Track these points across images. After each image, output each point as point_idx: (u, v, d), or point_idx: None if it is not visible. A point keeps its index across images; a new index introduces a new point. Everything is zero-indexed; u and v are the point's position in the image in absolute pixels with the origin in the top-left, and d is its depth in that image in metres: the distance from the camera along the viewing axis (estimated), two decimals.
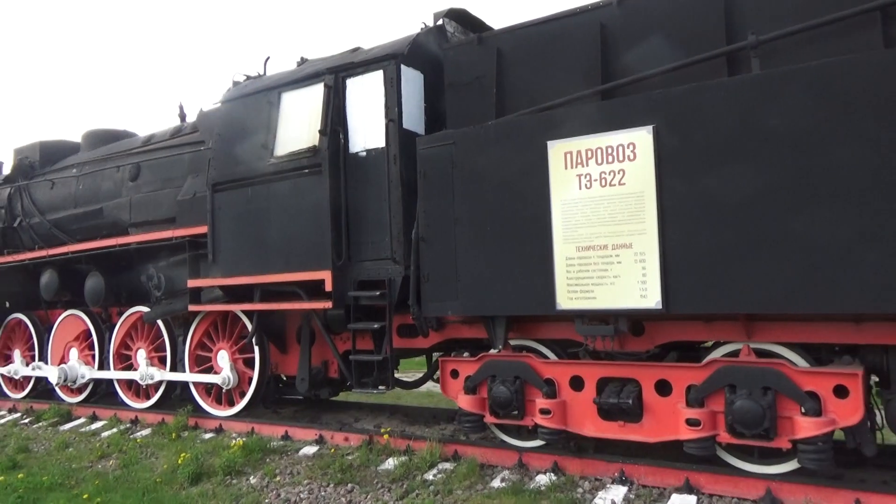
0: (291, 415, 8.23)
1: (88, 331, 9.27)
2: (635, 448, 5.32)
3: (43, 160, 10.12)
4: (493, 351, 5.67)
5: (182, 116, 9.08)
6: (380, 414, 8.12)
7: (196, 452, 6.30)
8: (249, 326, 7.46)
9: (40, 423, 8.84)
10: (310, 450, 6.48)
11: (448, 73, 5.87)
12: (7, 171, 12.15)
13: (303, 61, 7.51)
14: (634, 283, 4.60)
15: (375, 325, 5.94)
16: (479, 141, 5.27)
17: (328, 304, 6.05)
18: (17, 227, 9.94)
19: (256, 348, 7.41)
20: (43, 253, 9.04)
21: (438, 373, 6.58)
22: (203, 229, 7.06)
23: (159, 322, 8.27)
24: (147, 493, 5.89)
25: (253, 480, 5.86)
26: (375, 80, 5.99)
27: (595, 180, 4.79)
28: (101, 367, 9.05)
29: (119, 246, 8.05)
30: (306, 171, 6.19)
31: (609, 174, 4.74)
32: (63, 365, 9.14)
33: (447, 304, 5.41)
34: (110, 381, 9.00)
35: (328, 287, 5.99)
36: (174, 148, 8.18)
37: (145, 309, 8.47)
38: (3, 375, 10.41)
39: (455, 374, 5.80)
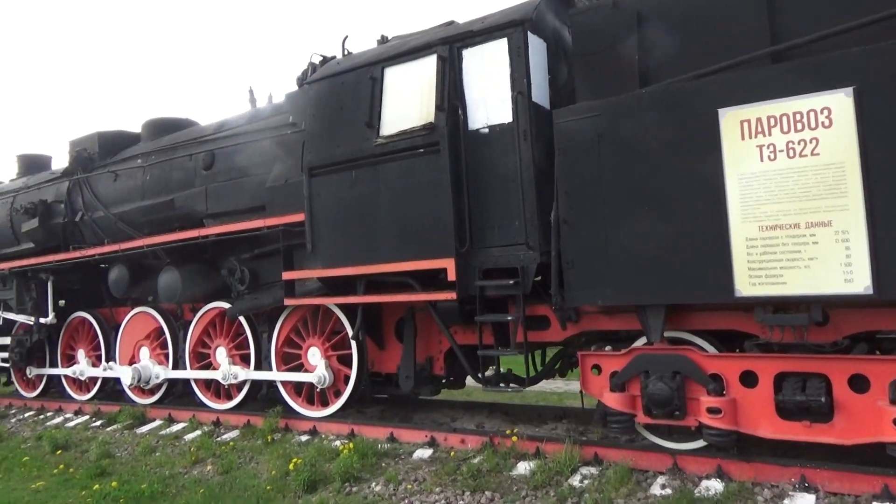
0: (379, 414, 7.77)
1: (160, 328, 8.85)
2: (790, 449, 4.82)
3: (102, 152, 9.67)
4: (638, 343, 5.15)
5: (252, 101, 8.61)
6: (476, 413, 7.63)
7: (309, 457, 5.83)
8: (344, 321, 7.00)
9: (114, 427, 8.44)
10: (424, 453, 6.01)
11: (577, 40, 5.32)
12: (56, 164, 11.86)
13: (384, 39, 6.99)
14: (836, 266, 4.05)
15: (510, 317, 5.43)
16: (630, 112, 4.73)
17: (451, 295, 5.55)
18: (78, 221, 9.52)
19: (354, 344, 6.93)
20: (115, 247, 8.60)
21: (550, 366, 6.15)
22: (298, 217, 6.57)
23: (241, 318, 7.82)
24: (261, 502, 5.44)
25: (377, 488, 5.39)
26: (499, 50, 5.45)
27: (780, 151, 4.24)
28: (175, 367, 8.62)
29: (203, 237, 7.57)
30: (421, 150, 5.68)
31: (798, 144, 4.19)
32: (136, 365, 8.72)
33: (595, 293, 4.90)
34: (185, 382, 8.57)
35: (451, 276, 5.49)
36: (253, 133, 7.68)
37: (225, 304, 8.02)
38: (67, 377, 10.03)
39: (597, 369, 5.29)
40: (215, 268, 8.14)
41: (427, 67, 5.77)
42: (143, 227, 8.77)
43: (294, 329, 7.49)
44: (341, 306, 6.97)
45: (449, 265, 5.50)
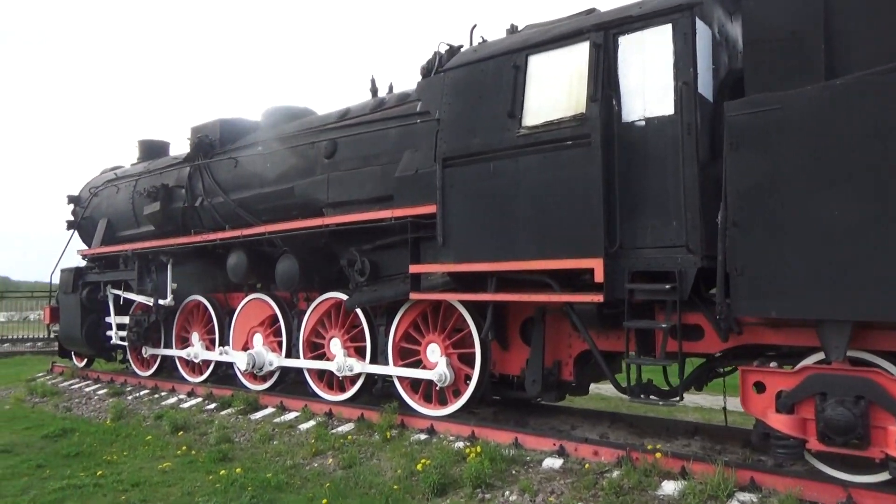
0: (492, 416, 7.49)
1: (274, 316, 8.89)
2: None
3: (223, 138, 9.82)
4: (809, 361, 4.66)
5: (374, 91, 8.49)
6: (597, 422, 7.24)
7: (438, 459, 5.63)
8: (468, 318, 6.76)
9: (228, 411, 8.53)
10: (553, 462, 5.69)
11: (749, 27, 4.86)
12: (173, 151, 12.22)
13: (514, 29, 6.69)
14: None
15: (664, 325, 5.03)
16: (820, 105, 4.24)
17: (598, 298, 5.20)
18: (197, 206, 9.70)
19: (478, 343, 6.69)
20: (237, 233, 8.68)
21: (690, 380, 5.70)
22: (426, 209, 6.38)
23: (358, 310, 7.72)
24: (390, 502, 5.27)
25: (512, 497, 5.12)
26: (662, 37, 5.04)
27: None
28: (288, 355, 8.64)
29: (325, 227, 7.50)
30: (569, 142, 5.35)
31: None
32: (251, 351, 8.80)
33: (767, 303, 4.44)
34: (297, 370, 8.58)
35: (598, 277, 5.14)
36: (378, 122, 7.54)
37: (341, 295, 7.95)
38: (181, 358, 10.28)
39: (760, 387, 4.82)
40: (333, 258, 8.08)
41: (578, 55, 5.43)
42: (262, 214, 8.83)
43: (413, 324, 7.32)
44: (465, 303, 6.74)
45: (596, 266, 5.15)
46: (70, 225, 12.55)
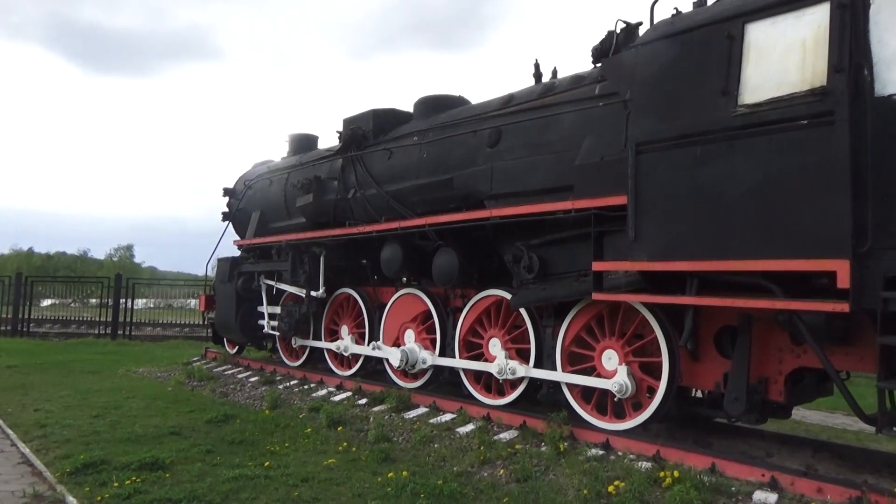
0: (666, 433, 6.70)
1: (427, 312, 8.57)
2: None
3: (376, 129, 9.62)
4: None
5: (538, 76, 7.92)
6: (796, 450, 6.29)
7: (636, 483, 4.99)
8: (654, 324, 6.06)
9: (380, 407, 8.30)
10: (767, 497, 4.88)
11: None
12: (321, 144, 12.26)
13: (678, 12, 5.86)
14: None
15: None
16: None
17: (842, 307, 4.35)
18: (350, 198, 9.57)
19: (666, 352, 5.98)
20: (393, 225, 8.43)
21: None
22: (613, 200, 5.74)
23: (521, 310, 7.21)
24: None
25: None
26: None
27: None
28: (442, 354, 8.29)
29: (488, 219, 7.03)
30: (804, 121, 4.52)
31: None
32: (404, 347, 8.52)
33: None
34: (451, 370, 8.20)
35: (842, 283, 4.29)
36: (549, 108, 6.97)
37: (503, 293, 7.47)
38: (329, 351, 10.24)
39: None
40: (494, 253, 7.62)
41: (813, 19, 4.58)
42: (417, 206, 8.52)
43: (585, 327, 6.70)
44: (650, 307, 6.05)
45: (841, 268, 4.30)
46: (225, 216, 12.96)
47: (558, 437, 6.27)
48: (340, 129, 10.23)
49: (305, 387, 10.00)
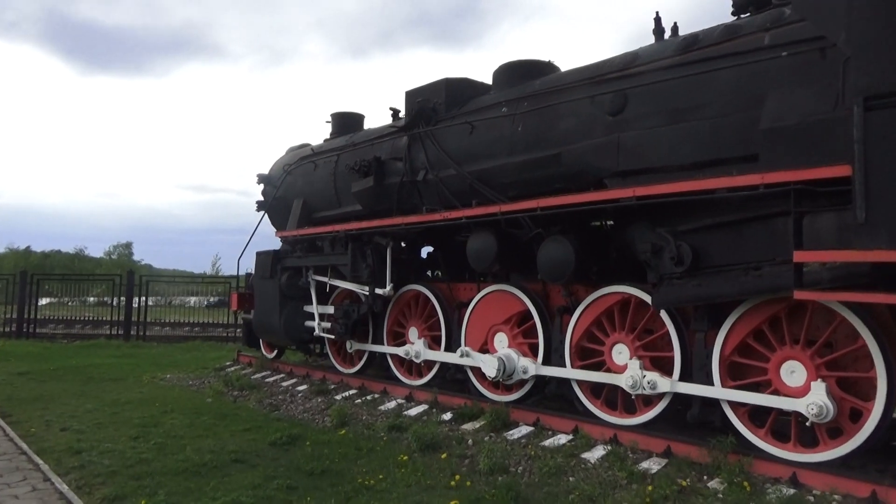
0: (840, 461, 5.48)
1: (525, 313, 7.31)
2: None
3: (449, 101, 8.32)
4: None
5: (659, 32, 6.64)
6: None
7: None
8: (862, 330, 4.82)
9: (471, 426, 7.05)
10: None
11: None
12: (367, 124, 10.96)
13: None
14: None
15: None
16: None
17: None
18: (419, 181, 8.29)
19: (882, 365, 4.74)
20: (493, 209, 7.08)
21: None
22: (827, 172, 4.46)
23: (664, 313, 5.96)
24: None
25: None
26: None
27: None
28: (546, 362, 7.04)
29: (638, 198, 5.66)
30: None
31: None
32: (500, 354, 7.25)
33: None
34: (560, 381, 6.94)
35: None
36: (695, 64, 5.68)
37: (632, 290, 6.23)
38: (395, 357, 8.98)
39: None
40: (617, 243, 6.37)
41: None
42: (508, 189, 7.25)
43: (753, 333, 5.46)
44: (854, 309, 4.81)
45: None
46: (260, 206, 11.65)
47: (739, 472, 5.03)
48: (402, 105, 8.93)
49: (368, 398, 8.74)
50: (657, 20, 6.66)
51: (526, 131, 7.09)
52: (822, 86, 4.63)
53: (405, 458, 6.17)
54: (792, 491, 4.85)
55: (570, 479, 5.53)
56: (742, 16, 5.85)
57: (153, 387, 10.79)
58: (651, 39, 6.56)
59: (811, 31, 4.73)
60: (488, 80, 8.40)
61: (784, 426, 5.34)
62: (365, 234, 8.88)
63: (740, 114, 5.21)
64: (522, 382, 7.28)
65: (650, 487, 5.09)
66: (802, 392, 5.09)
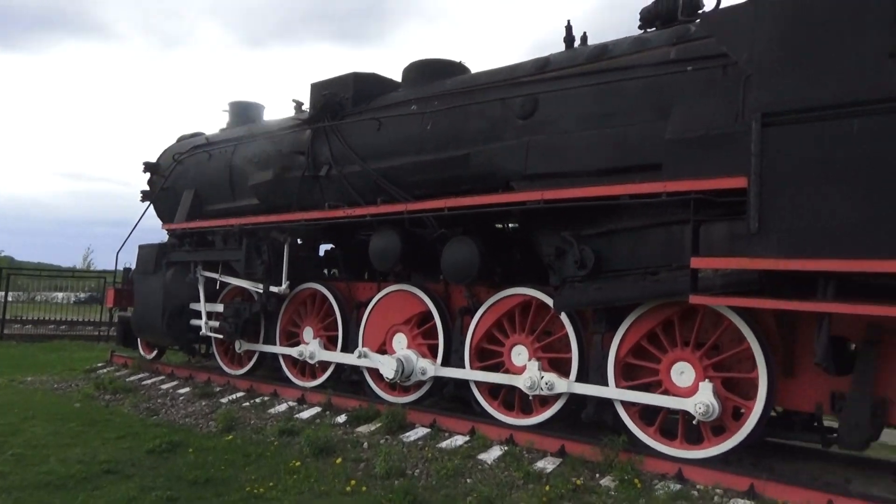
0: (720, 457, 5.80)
1: (425, 313, 7.23)
2: None
3: (357, 96, 8.14)
4: None
5: (569, 40, 6.81)
6: (877, 476, 5.55)
7: None
8: (747, 333, 5.11)
9: (366, 428, 6.87)
10: None
11: None
12: (267, 115, 10.58)
13: None
14: None
15: None
16: None
17: None
18: (322, 176, 8.03)
19: (763, 366, 5.03)
20: (399, 207, 6.94)
21: None
22: (724, 183, 4.69)
23: (564, 315, 6.06)
24: None
25: None
26: None
27: None
28: (445, 363, 6.98)
29: (541, 202, 5.74)
30: None
31: None
32: (398, 355, 7.10)
33: None
34: (458, 383, 6.90)
35: None
36: (607, 73, 5.86)
37: (534, 292, 6.30)
38: (287, 358, 8.61)
39: None
40: (520, 245, 6.43)
41: None
42: (415, 188, 7.17)
43: (648, 336, 5.65)
44: (740, 313, 5.10)
45: None
46: (146, 196, 10.88)
47: (630, 470, 5.17)
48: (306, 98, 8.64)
49: (257, 401, 8.32)
50: (568, 28, 6.83)
51: (435, 130, 7.04)
52: (723, 101, 4.88)
53: (297, 463, 5.89)
54: (678, 486, 5.05)
55: (468, 480, 5.47)
56: (649, 29, 6.09)
57: (11, 391, 9.73)
58: (561, 47, 6.71)
59: (715, 49, 4.98)
60: (395, 78, 8.30)
61: (673, 425, 5.55)
62: (262, 230, 8.49)
63: (646, 124, 5.41)
64: (420, 384, 7.18)
65: (547, 487, 5.12)
66: (691, 392, 5.32)
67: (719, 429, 5.33)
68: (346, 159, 7.82)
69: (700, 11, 5.42)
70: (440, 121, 7.03)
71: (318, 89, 8.43)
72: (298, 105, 9.23)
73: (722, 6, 5.00)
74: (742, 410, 5.25)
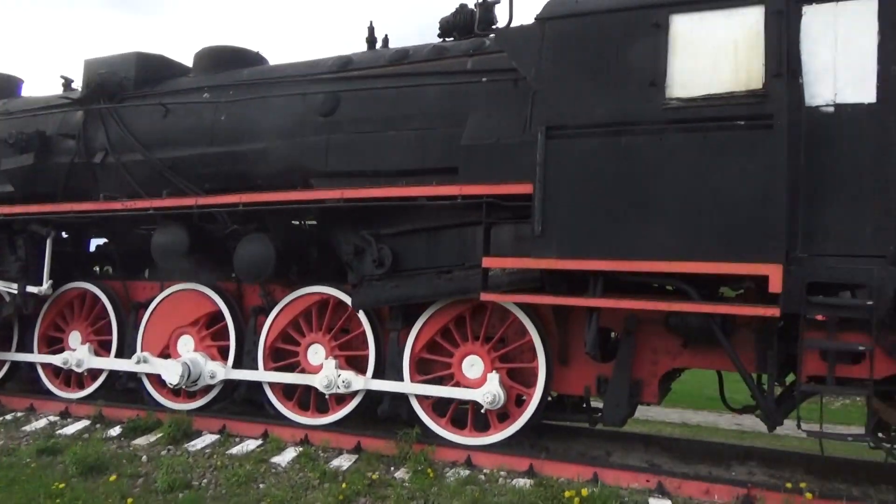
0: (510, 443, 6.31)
1: (215, 314, 6.85)
2: None
3: (139, 79, 7.47)
4: None
5: (371, 41, 6.94)
6: (630, 448, 6.40)
7: None
8: (530, 327, 5.58)
9: (145, 440, 6.33)
10: None
11: None
12: (27, 90, 9.34)
13: None
14: None
15: (861, 347, 4.31)
16: None
17: (774, 311, 4.35)
18: (97, 164, 7.27)
19: (543, 356, 5.53)
20: (188, 201, 6.44)
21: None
22: (511, 188, 5.09)
23: (361, 313, 6.12)
24: None
25: None
26: (865, 11, 4.37)
27: None
28: (237, 365, 6.67)
29: (372, 200, 5.72)
30: (741, 122, 4.45)
31: None
32: (184, 359, 6.62)
33: None
34: (251, 385, 6.63)
35: (774, 287, 4.28)
36: (408, 77, 6.05)
37: (332, 291, 6.28)
38: (48, 367, 7.60)
39: None
40: (324, 242, 6.38)
41: (746, 20, 4.56)
42: (206, 180, 6.80)
43: (442, 331, 5.92)
44: (524, 308, 5.57)
45: (773, 273, 4.29)
46: None
47: (423, 460, 5.37)
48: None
49: (8, 417, 7.25)
50: (371, 29, 6.93)
51: (230, 122, 6.72)
52: (514, 112, 5.29)
53: (61, 485, 5.24)
54: (468, 472, 5.37)
55: (261, 485, 5.30)
56: (447, 39, 6.39)
57: None
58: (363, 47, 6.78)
59: (507, 63, 5.38)
60: (186, 62, 7.78)
61: (463, 414, 5.87)
62: (17, 221, 7.41)
63: (444, 129, 5.67)
64: (209, 388, 6.78)
65: (344, 485, 5.14)
66: (480, 383, 5.68)
67: (504, 415, 5.75)
68: (125, 146, 7.15)
69: (494, 26, 5.81)
70: (235, 112, 6.72)
71: (94, 67, 7.58)
72: (67, 82, 8.25)
73: (514, 24, 5.40)
74: (524, 397, 5.71)
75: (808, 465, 5.73)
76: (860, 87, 4.35)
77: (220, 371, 6.62)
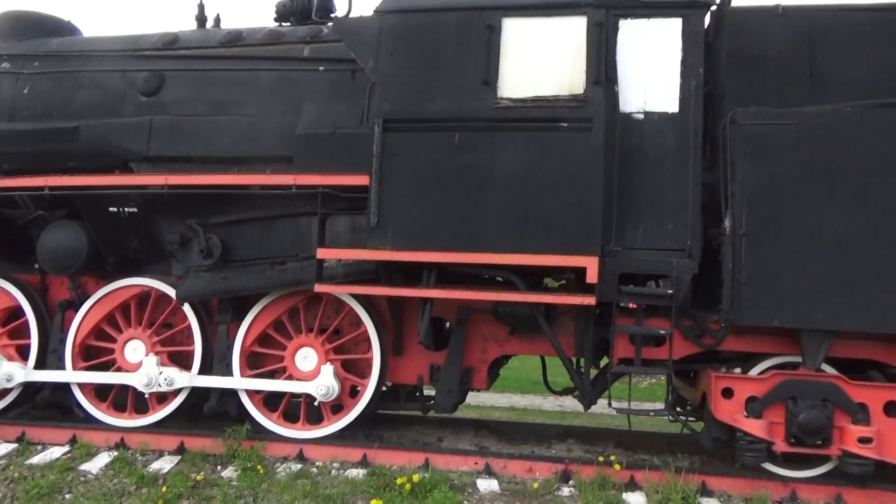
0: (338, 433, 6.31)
1: (15, 309, 6.12)
2: None
3: None
4: (763, 367, 4.94)
5: (202, 20, 6.57)
6: (461, 431, 6.63)
7: (395, 496, 4.41)
8: (365, 317, 5.59)
9: None
10: (488, 484, 5.01)
11: (733, 39, 5.00)
12: None
13: None
14: None
15: (662, 331, 4.77)
16: (836, 127, 4.54)
17: (591, 300, 4.70)
18: None
19: (378, 347, 5.56)
20: (13, 182, 5.66)
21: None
22: (348, 179, 5.06)
23: (187, 306, 5.76)
24: None
25: None
26: (671, 30, 4.84)
27: None
28: (40, 365, 6.01)
29: (217, 187, 5.37)
30: (564, 124, 4.76)
31: None
32: None
33: (770, 313, 4.56)
34: (62, 387, 6.01)
35: (591, 278, 4.64)
36: (241, 60, 5.79)
37: (154, 283, 5.86)
38: None
39: (728, 392, 4.91)
40: (145, 230, 5.93)
41: (572, 29, 4.89)
42: (5, 160, 6.06)
43: (274, 324, 5.75)
44: (359, 298, 5.57)
45: (590, 265, 4.65)
46: None
47: (253, 457, 5.19)
48: None
49: None
50: (201, 7, 6.54)
51: (35, 96, 6.05)
52: (351, 103, 5.26)
53: None
54: (300, 466, 5.27)
55: (67, 496, 4.85)
56: (284, 24, 6.19)
57: None
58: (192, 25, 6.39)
59: (345, 53, 5.32)
60: None
61: (296, 408, 5.74)
62: None
63: (279, 116, 5.49)
64: (4, 392, 6.05)
65: (164, 489, 4.83)
66: (313, 376, 5.58)
67: (338, 407, 5.70)
68: None
69: (333, 15, 5.72)
70: (41, 85, 6.08)
71: None
72: None
73: (353, 14, 5.36)
74: (358, 388, 5.70)
75: (618, 440, 6.26)
76: (665, 98, 4.83)
77: (18, 373, 5.92)
